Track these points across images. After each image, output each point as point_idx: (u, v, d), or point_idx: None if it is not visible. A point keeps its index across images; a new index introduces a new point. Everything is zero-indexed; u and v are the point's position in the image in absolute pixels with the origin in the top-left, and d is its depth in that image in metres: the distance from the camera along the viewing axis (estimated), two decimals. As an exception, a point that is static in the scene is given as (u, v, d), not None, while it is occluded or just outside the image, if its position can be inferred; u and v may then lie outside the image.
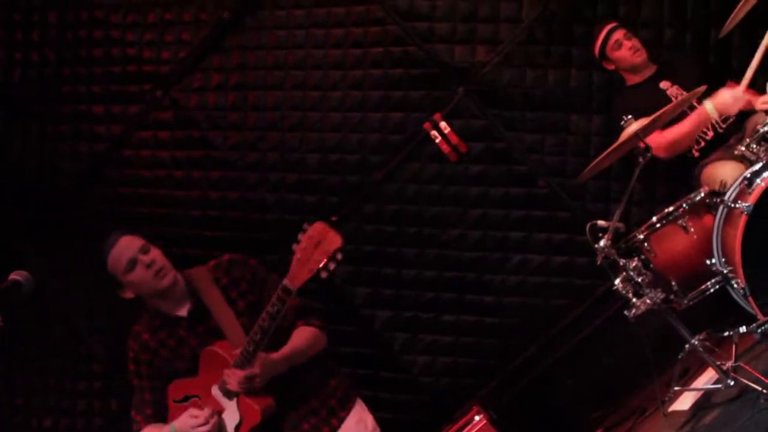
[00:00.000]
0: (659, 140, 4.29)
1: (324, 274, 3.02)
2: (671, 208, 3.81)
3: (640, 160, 3.86)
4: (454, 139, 5.20)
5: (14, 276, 2.68)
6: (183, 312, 3.43)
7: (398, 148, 5.30)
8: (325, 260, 2.99)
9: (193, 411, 3.32)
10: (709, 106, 4.17)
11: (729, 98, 4.09)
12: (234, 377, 3.20)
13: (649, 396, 4.68)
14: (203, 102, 5.50)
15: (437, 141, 5.22)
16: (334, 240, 3.00)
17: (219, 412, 3.33)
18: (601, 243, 3.80)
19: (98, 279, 3.45)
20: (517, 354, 5.40)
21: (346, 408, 3.54)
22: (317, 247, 3.00)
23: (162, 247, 3.47)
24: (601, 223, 3.86)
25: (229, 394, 3.29)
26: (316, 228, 3.03)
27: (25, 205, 5.69)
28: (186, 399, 3.42)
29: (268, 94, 5.44)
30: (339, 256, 3.02)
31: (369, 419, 3.64)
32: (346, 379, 3.65)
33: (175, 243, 5.51)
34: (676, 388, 4.06)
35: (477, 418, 4.69)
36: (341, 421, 3.49)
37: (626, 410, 4.97)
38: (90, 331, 5.71)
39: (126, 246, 3.36)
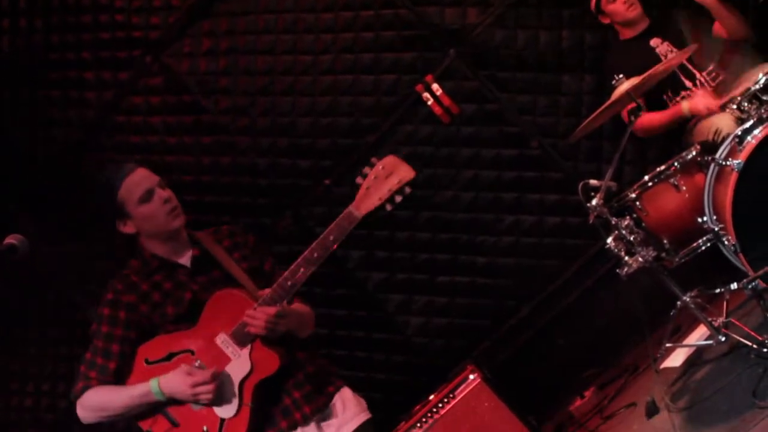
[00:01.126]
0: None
1: (389, 207, 2.99)
2: (663, 167, 3.82)
3: (632, 119, 3.88)
4: (446, 101, 5.20)
5: (10, 239, 2.66)
6: (184, 260, 3.22)
7: (390, 110, 5.30)
8: (396, 190, 2.96)
9: (186, 368, 3.03)
10: (685, 107, 4.40)
11: (702, 107, 4.31)
12: (262, 315, 2.98)
13: (641, 353, 4.73)
14: (194, 67, 5.48)
15: (429, 103, 5.21)
16: (407, 172, 2.97)
17: (218, 372, 3.06)
18: (593, 202, 3.81)
19: (99, 208, 3.22)
20: (510, 314, 5.45)
21: (338, 379, 3.39)
22: (388, 177, 2.96)
23: None
24: (593, 182, 3.87)
25: (244, 340, 3.03)
26: (388, 159, 2.99)
27: (18, 173, 5.67)
28: (169, 357, 3.09)
29: (259, 58, 5.42)
30: (408, 190, 2.99)
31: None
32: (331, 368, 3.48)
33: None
34: (668, 345, 4.10)
35: (471, 377, 4.73)
36: (338, 389, 3.33)
37: (618, 368, 5.03)
38: (84, 296, 5.71)
39: (145, 176, 3.17)
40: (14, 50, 5.66)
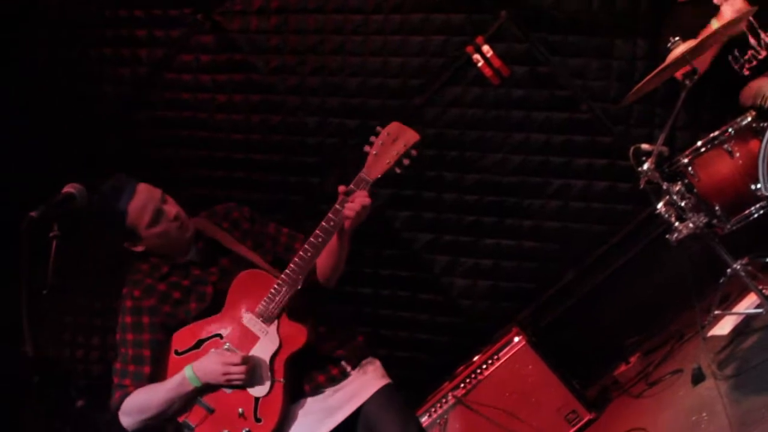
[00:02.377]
0: None
1: (398, 170, 3.05)
2: (717, 133, 3.77)
3: (687, 83, 3.82)
4: (497, 63, 5.16)
5: (68, 188, 2.69)
6: (191, 256, 3.21)
7: (440, 71, 5.27)
8: (403, 153, 3.03)
9: (217, 351, 3.06)
10: (714, 23, 4.14)
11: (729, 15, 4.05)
12: (359, 200, 3.00)
13: (689, 321, 4.70)
14: (245, 25, 5.47)
15: (479, 65, 5.17)
16: (412, 135, 3.05)
17: (248, 354, 3.07)
18: (645, 166, 3.78)
19: (105, 231, 3.17)
20: (556, 279, 5.44)
21: (367, 350, 3.34)
22: (395, 142, 3.05)
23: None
24: (645, 146, 3.83)
25: (271, 317, 3.04)
26: (393, 126, 3.07)
27: (70, 131, 5.74)
28: (198, 345, 3.11)
29: (309, 17, 5.39)
30: (415, 152, 3.05)
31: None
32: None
33: (218, 166, 5.61)
34: (716, 313, 4.07)
35: (516, 339, 4.75)
36: (366, 355, 3.29)
37: (665, 335, 5.01)
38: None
39: (148, 196, 3.10)
40: (67, 8, 5.69)
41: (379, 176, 3.07)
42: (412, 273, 5.57)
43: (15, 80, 5.57)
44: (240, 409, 3.05)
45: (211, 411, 3.09)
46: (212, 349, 3.08)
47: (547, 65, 5.15)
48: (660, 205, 3.84)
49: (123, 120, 5.71)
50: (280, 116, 5.54)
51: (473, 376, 4.76)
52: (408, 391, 5.12)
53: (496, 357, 4.76)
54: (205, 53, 5.56)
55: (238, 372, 2.99)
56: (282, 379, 3.04)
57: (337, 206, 3.05)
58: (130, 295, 3.17)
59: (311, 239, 3.07)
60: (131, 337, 3.14)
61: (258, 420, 3.03)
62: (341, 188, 3.07)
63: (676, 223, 3.80)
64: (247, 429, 3.04)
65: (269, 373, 3.04)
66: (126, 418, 3.12)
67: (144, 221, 3.08)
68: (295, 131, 5.53)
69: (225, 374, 3.00)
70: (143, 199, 3.09)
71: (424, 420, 4.77)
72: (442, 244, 5.48)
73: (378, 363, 3.31)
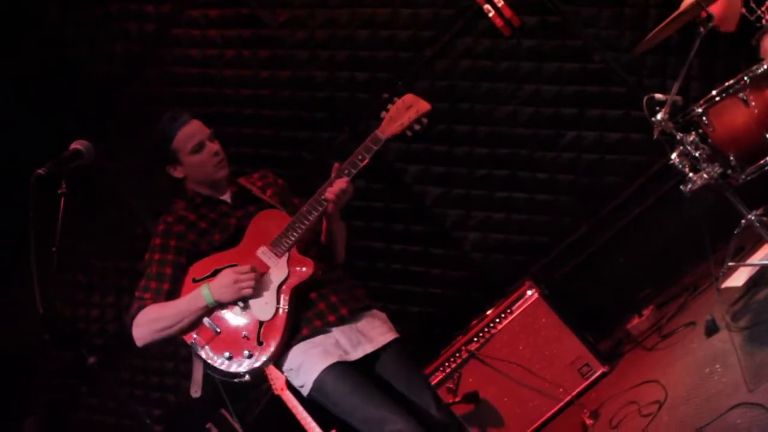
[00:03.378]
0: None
1: (409, 133, 3.36)
2: (732, 81, 3.70)
3: (701, 30, 3.75)
4: (508, 13, 5.08)
5: (75, 145, 2.69)
6: (225, 197, 3.53)
7: (450, 22, 5.20)
8: (414, 119, 3.34)
9: (228, 269, 3.30)
10: None
11: None
12: (337, 185, 3.29)
13: (702, 273, 4.68)
14: (252, -21, 5.43)
15: (490, 15, 5.10)
16: (424, 105, 3.37)
17: (257, 268, 3.32)
18: (658, 116, 3.74)
19: (154, 152, 3.45)
20: (569, 231, 5.41)
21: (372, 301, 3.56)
22: (408, 109, 3.36)
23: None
24: (658, 96, 3.78)
25: (282, 249, 3.32)
26: (408, 96, 3.38)
27: (78, 88, 5.72)
28: (214, 273, 3.34)
29: (317, -31, 5.35)
30: (425, 120, 3.37)
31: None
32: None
33: (227, 122, 5.58)
34: (731, 264, 4.04)
35: (529, 293, 4.74)
36: (371, 306, 3.48)
37: (678, 287, 4.99)
38: (146, 211, 5.80)
39: (198, 128, 3.45)
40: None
41: (391, 136, 3.36)
42: (423, 227, 5.55)
43: (24, 39, 5.54)
44: (244, 332, 3.27)
45: (217, 332, 3.29)
46: (224, 270, 3.30)
47: (558, 14, 5.07)
48: (674, 156, 3.79)
49: (131, 77, 5.67)
50: (289, 71, 5.49)
51: (486, 330, 4.77)
52: (421, 346, 5.17)
53: (509, 311, 4.76)
54: (213, 8, 5.51)
55: (247, 279, 3.22)
56: (286, 307, 3.26)
57: (321, 192, 3.33)
58: (164, 220, 3.45)
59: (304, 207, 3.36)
60: (158, 257, 3.39)
61: (260, 343, 3.25)
62: (335, 165, 3.36)
63: (690, 174, 3.76)
64: (248, 351, 3.24)
65: (275, 299, 3.27)
66: (138, 329, 3.31)
67: (187, 148, 3.40)
68: (305, 86, 5.49)
69: (236, 282, 3.22)
70: (193, 129, 3.43)
71: (438, 375, 4.79)
72: (454, 198, 5.45)
73: (385, 317, 3.52)
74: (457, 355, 4.77)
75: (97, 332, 5.96)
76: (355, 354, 3.27)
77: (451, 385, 4.78)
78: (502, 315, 4.76)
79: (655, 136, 3.80)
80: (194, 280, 3.36)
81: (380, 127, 3.37)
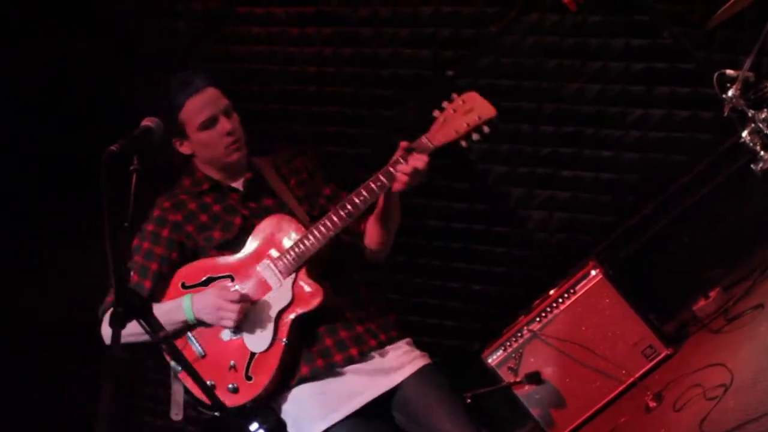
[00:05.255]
0: None
1: (464, 143, 2.85)
2: (807, 56, 3.61)
3: (776, 4, 3.66)
4: (575, -12, 5.01)
5: (146, 122, 2.70)
6: (237, 184, 3.07)
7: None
8: (474, 126, 2.83)
9: (222, 285, 2.90)
10: None
11: None
12: (413, 162, 2.79)
13: (772, 254, 4.59)
14: (317, -43, 5.43)
15: (556, -10, 5.04)
16: (488, 110, 2.84)
17: (248, 296, 2.90)
18: (729, 93, 3.67)
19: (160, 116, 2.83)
20: (634, 211, 5.33)
21: (401, 332, 3.08)
22: (468, 113, 2.83)
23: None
24: (729, 72, 3.71)
25: (289, 268, 2.86)
26: (470, 95, 2.87)
27: (143, 66, 5.79)
28: (206, 282, 2.93)
29: (381, -54, 5.32)
30: (487, 129, 2.84)
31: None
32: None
33: (291, 101, 5.61)
34: (802, 245, 3.95)
35: (593, 273, 4.70)
36: (393, 340, 3.01)
37: (747, 269, 4.89)
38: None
39: (211, 100, 2.96)
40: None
41: (443, 144, 2.85)
42: (486, 206, 5.52)
43: (89, 16, 5.62)
44: (232, 361, 2.87)
45: (202, 356, 2.91)
46: (215, 285, 2.93)
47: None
48: (745, 134, 3.73)
49: (195, 54, 5.71)
50: (353, 48, 5.48)
51: (549, 309, 4.74)
52: (483, 326, 5.16)
53: (572, 291, 4.72)
54: (277, -14, 5.53)
55: (231, 310, 2.81)
56: (285, 339, 2.84)
57: (389, 167, 2.86)
58: (160, 205, 3.05)
59: (352, 196, 2.89)
60: (146, 246, 3.01)
61: (248, 378, 2.85)
62: (403, 143, 2.88)
63: (762, 153, 3.69)
64: (234, 384, 2.86)
65: (272, 329, 2.85)
66: (106, 329, 2.82)
67: (196, 122, 2.95)
68: (368, 63, 5.47)
69: (218, 309, 2.82)
70: (205, 100, 2.96)
71: (499, 354, 4.78)
72: (518, 176, 5.40)
73: (411, 343, 3.08)
74: (519, 334, 4.75)
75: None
76: (364, 398, 2.87)
77: (512, 365, 4.76)
78: (565, 295, 4.72)
79: (726, 114, 3.73)
80: (183, 286, 2.97)
81: (430, 131, 2.86)
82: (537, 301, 4.86)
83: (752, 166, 3.73)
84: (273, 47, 5.61)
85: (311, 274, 2.89)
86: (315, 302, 2.85)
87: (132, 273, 2.95)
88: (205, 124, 2.95)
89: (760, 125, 3.66)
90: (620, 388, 4.63)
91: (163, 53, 5.73)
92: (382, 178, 2.87)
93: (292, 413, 2.89)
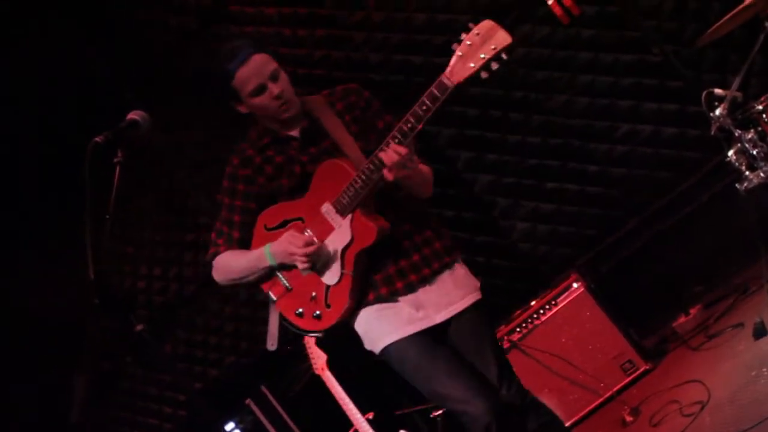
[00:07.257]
0: None
1: (485, 74, 2.79)
2: (794, 78, 3.63)
3: (766, 25, 3.68)
4: (567, 1, 4.99)
5: (132, 115, 2.71)
6: (295, 133, 3.24)
7: (508, 9, 5.14)
8: (491, 56, 2.76)
9: (290, 233, 3.15)
10: None
11: None
12: (392, 151, 2.88)
13: (753, 274, 4.61)
14: (310, -42, 5.42)
15: (549, 2, 5.00)
16: (504, 38, 2.76)
17: (321, 240, 3.13)
18: (717, 112, 3.68)
19: (212, 88, 3.22)
20: (618, 225, 5.34)
21: (453, 254, 3.27)
22: (484, 44, 2.77)
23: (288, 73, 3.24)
24: (717, 91, 3.72)
25: (344, 210, 3.06)
26: (485, 25, 2.79)
27: (134, 61, 5.77)
28: (284, 224, 3.21)
29: (374, -50, 5.32)
30: (505, 56, 2.77)
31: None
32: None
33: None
34: (784, 266, 3.97)
35: (575, 285, 4.71)
36: (448, 265, 3.21)
37: (727, 287, 4.91)
38: (195, 185, 5.84)
39: (259, 67, 3.11)
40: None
41: (463, 81, 2.81)
42: (471, 214, 5.52)
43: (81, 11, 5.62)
44: (313, 293, 3.18)
45: (289, 289, 3.24)
46: (290, 230, 3.18)
47: (617, 4, 4.99)
48: (731, 153, 3.74)
49: (185, 51, 5.69)
50: (344, 52, 5.48)
51: (530, 320, 4.74)
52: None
53: (553, 302, 4.73)
54: (271, -14, 5.52)
55: (301, 254, 3.08)
56: (350, 272, 3.09)
57: (418, 106, 2.89)
58: (231, 162, 3.30)
59: (400, 124, 2.94)
60: (227, 201, 3.31)
61: (328, 306, 3.15)
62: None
63: (747, 172, 3.71)
64: (318, 312, 3.17)
65: (340, 264, 3.10)
66: (215, 274, 3.35)
67: (247, 90, 3.12)
68: (360, 67, 5.46)
69: (291, 254, 3.11)
70: (252, 69, 3.11)
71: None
72: (504, 186, 5.41)
73: (464, 265, 3.30)
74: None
75: (143, 304, 6.02)
76: (423, 323, 3.09)
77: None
78: (546, 306, 4.73)
79: (713, 132, 3.75)
80: (266, 228, 3.26)
81: (447, 69, 2.81)
82: (518, 312, 4.87)
83: (737, 185, 3.75)
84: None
85: (366, 212, 3.08)
86: (370, 239, 3.04)
87: (221, 225, 3.31)
88: (255, 92, 3.12)
89: (746, 145, 3.67)
90: (598, 402, 4.65)
91: (154, 49, 5.72)
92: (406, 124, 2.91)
93: (361, 330, 3.20)
